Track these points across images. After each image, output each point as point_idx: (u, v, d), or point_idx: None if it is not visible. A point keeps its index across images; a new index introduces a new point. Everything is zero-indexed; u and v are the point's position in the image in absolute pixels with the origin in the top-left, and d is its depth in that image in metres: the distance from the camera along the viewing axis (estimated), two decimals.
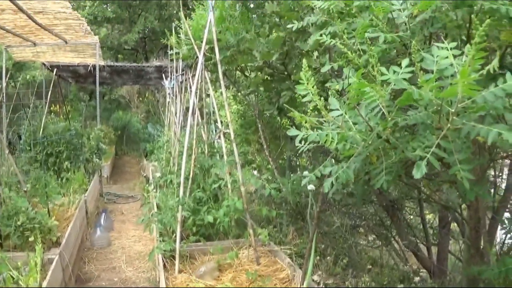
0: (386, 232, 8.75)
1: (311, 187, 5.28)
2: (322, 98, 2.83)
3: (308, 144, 3.22)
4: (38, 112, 14.26)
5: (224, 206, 6.85)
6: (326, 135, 2.77)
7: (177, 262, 6.44)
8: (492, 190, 6.09)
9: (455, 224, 8.39)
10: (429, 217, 9.36)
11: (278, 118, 9.10)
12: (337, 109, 2.90)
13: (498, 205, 5.40)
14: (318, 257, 7.60)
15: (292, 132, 3.02)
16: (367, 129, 2.67)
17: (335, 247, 8.36)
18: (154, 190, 10.22)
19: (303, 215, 8.98)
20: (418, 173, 2.25)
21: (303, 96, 2.92)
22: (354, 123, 2.79)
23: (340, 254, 8.27)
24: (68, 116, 17.34)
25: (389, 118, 2.53)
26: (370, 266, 7.83)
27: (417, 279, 7.36)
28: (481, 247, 4.74)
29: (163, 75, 15.64)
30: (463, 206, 6.06)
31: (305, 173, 3.52)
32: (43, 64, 16.45)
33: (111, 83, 21.93)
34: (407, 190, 7.69)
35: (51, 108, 18.98)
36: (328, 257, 7.90)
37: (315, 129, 2.90)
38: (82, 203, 9.82)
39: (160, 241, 6.94)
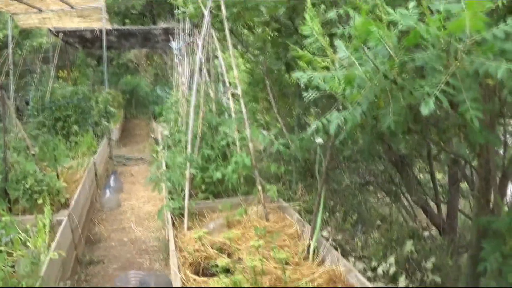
0: (395, 189, 8.67)
1: (319, 140, 5.22)
2: (327, 38, 2.75)
3: (315, 93, 3.15)
4: (45, 78, 14.21)
5: (232, 163, 6.80)
6: (332, 77, 2.70)
7: (186, 219, 6.43)
8: (502, 148, 5.99)
9: (466, 183, 8.34)
10: (438, 176, 9.28)
11: (286, 75, 8.98)
12: (343, 51, 2.82)
13: (509, 163, 5.30)
14: (327, 214, 7.57)
15: (297, 74, 2.95)
16: (374, 70, 2.60)
17: (344, 204, 8.33)
18: (163, 150, 10.20)
19: (312, 171, 8.92)
20: (426, 109, 2.18)
21: (307, 37, 2.84)
22: (360, 65, 2.71)
23: (350, 210, 8.24)
24: (76, 81, 17.29)
25: (396, 58, 2.46)
26: (379, 223, 7.77)
27: (426, 234, 7.32)
28: (491, 199, 4.69)
29: (171, 37, 15.51)
30: (474, 162, 5.99)
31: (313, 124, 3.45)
32: (49, 30, 16.36)
33: (118, 47, 21.86)
34: (416, 146, 7.60)
35: (59, 74, 18.96)
36: (337, 214, 7.87)
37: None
38: (91, 165, 9.82)
39: (169, 199, 6.92)
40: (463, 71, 2.28)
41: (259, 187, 6.67)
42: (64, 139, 11.35)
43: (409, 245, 6.37)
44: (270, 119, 10.02)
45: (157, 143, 14.15)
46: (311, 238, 5.63)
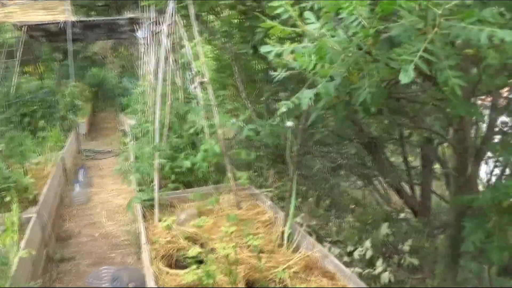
0: (367, 172, 8.58)
1: (289, 123, 5.07)
2: (297, 10, 2.59)
3: (284, 73, 3.00)
4: (10, 73, 13.91)
5: (201, 151, 6.63)
6: (303, 51, 2.54)
7: (156, 211, 6.27)
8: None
9: (438, 164, 8.30)
10: (410, 158, 9.22)
11: (254, 60, 8.84)
12: (314, 23, 2.66)
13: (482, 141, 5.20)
14: (300, 199, 7.47)
15: (266, 48, 2.77)
16: (346, 41, 2.45)
17: (317, 189, 8.23)
18: (131, 142, 10.02)
19: (283, 157, 8.81)
20: (405, 77, 2.04)
21: (276, 8, 2.67)
22: (332, 37, 2.55)
23: (322, 195, 8.15)
24: (42, 75, 16.99)
25: (370, 27, 2.31)
26: (354, 206, 7.68)
27: (402, 215, 7.23)
28: (468, 177, 4.59)
29: (136, 27, 15.25)
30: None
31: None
32: (13, 24, 15.99)
33: (83, 39, 21.51)
34: (388, 127, 7.50)
35: (24, 69, 18.62)
36: (310, 199, 7.76)
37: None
38: (59, 160, 9.58)
39: (138, 191, 6.74)
40: (442, 38, 2.14)
41: (230, 175, 6.53)
42: (32, 135, 11.10)
43: (384, 228, 6.28)
44: (239, 106, 9.86)
45: (125, 134, 13.94)
46: (285, 224, 5.51)
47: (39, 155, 9.66)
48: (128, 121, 14.08)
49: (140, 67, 15.07)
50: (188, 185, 7.29)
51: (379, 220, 6.92)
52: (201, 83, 7.35)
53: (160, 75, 6.79)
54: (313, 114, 2.97)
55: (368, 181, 8.58)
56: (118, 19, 17.59)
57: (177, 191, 6.95)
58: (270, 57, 2.76)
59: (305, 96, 2.64)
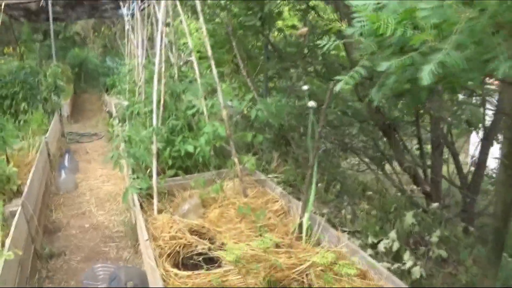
0: (380, 155, 8.01)
1: (311, 103, 4.47)
2: None
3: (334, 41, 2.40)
4: None
5: (204, 134, 5.98)
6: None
7: (155, 200, 5.63)
8: None
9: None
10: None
11: (255, 36, 8.20)
12: None
13: None
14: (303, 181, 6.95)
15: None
16: None
17: (325, 173, 7.67)
18: (120, 124, 9.38)
19: (287, 139, 8.24)
20: None
21: None
22: None
23: (331, 180, 7.59)
24: (22, 56, 16.32)
25: None
26: (367, 192, 7.11)
27: (435, 205, 6.61)
28: None
29: (121, 3, 14.52)
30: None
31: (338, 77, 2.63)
32: None
33: (65, 18, 20.72)
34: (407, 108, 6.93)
35: (4, 50, 17.97)
36: (319, 184, 7.20)
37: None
38: (43, 145, 8.91)
39: (133, 178, 6.10)
40: None
41: (235, 160, 5.92)
42: (13, 118, 10.42)
43: (409, 218, 5.72)
44: (240, 84, 9.25)
45: (111, 116, 13.31)
46: (303, 214, 4.90)
47: (22, 139, 8.98)
48: (114, 102, 13.45)
49: (126, 45, 14.39)
50: (186, 170, 6.70)
51: (401, 207, 6.40)
52: (187, 61, 6.78)
53: (158, 51, 6.12)
54: (376, 94, 2.35)
55: (380, 165, 8.00)
56: None
57: (176, 177, 6.33)
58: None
59: (426, 70, 1.97)
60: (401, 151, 7.33)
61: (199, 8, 5.97)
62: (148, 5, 9.97)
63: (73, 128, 15.31)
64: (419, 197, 7.74)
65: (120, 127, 9.07)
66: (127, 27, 13.52)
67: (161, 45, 6.26)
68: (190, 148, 5.98)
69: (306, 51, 7.58)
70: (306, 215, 4.82)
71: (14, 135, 8.95)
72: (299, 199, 5.40)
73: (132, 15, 12.61)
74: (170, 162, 6.50)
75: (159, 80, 6.48)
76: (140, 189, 5.73)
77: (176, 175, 6.36)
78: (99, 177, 9.73)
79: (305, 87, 4.51)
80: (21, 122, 10.30)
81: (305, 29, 5.94)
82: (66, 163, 9.99)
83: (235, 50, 7.63)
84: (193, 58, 6.82)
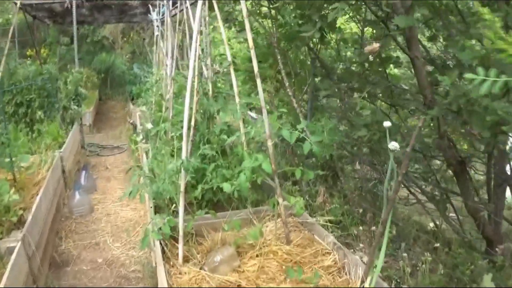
0: (443, 196, 6.90)
1: (394, 145, 3.42)
2: None
3: None
4: (12, 56, 12.30)
5: (246, 169, 4.88)
6: None
7: (180, 248, 4.59)
8: None
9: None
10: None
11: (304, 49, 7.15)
12: None
13: None
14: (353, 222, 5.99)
15: None
16: None
17: (374, 211, 6.63)
18: (143, 141, 8.40)
19: (335, 171, 7.20)
20: None
21: None
22: None
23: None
24: (45, 60, 15.54)
25: None
26: (437, 244, 6.01)
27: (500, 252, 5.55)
28: None
29: (150, 7, 13.59)
30: None
31: None
32: (14, 3, 14.47)
33: (91, 21, 20.15)
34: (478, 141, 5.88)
35: (28, 52, 17.25)
36: (373, 227, 6.15)
37: None
38: (57, 161, 7.91)
39: (154, 217, 5.05)
40: None
41: (280, 200, 4.87)
42: (27, 128, 9.45)
43: (488, 281, 4.64)
44: (282, 104, 8.18)
45: (135, 128, 12.37)
46: (365, 277, 3.85)
47: (34, 153, 8.00)
48: (138, 114, 12.52)
49: (154, 52, 13.46)
50: (217, 205, 5.70)
51: (470, 262, 5.33)
52: (217, 72, 5.80)
53: (191, 63, 5.01)
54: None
55: (443, 206, 6.89)
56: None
57: (205, 215, 5.28)
58: None
59: None
60: (469, 192, 6.26)
61: (245, 12, 4.90)
62: (181, 11, 9.01)
63: (95, 138, 14.34)
64: (477, 240, 6.70)
65: (142, 144, 8.10)
66: (156, 33, 12.58)
67: (195, 55, 5.16)
68: (226, 188, 4.88)
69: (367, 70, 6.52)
70: (372, 280, 3.77)
71: (25, 149, 7.99)
72: (353, 249, 4.40)
73: (162, 21, 11.68)
74: (198, 194, 5.46)
75: (191, 97, 5.44)
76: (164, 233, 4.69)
77: (205, 211, 5.32)
78: (118, 200, 8.70)
79: (387, 124, 3.47)
80: (35, 133, 9.30)
81: (376, 45, 4.89)
82: (82, 181, 8.99)
83: (280, 65, 6.60)
84: (232, 72, 5.80)
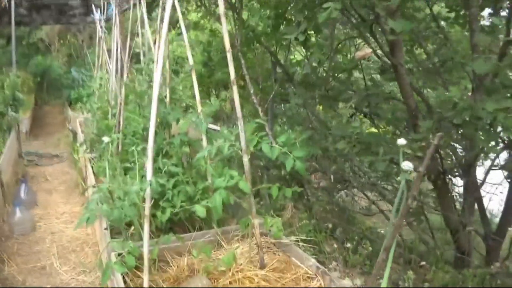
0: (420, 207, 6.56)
1: (408, 166, 2.95)
2: None
3: None
4: None
5: (219, 188, 4.29)
6: None
7: (146, 281, 3.96)
8: None
9: None
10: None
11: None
12: None
13: None
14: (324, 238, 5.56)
15: None
16: None
17: (349, 228, 6.20)
18: (87, 151, 7.77)
19: (301, 183, 6.71)
20: None
21: None
22: None
23: (354, 236, 6.13)
24: None
25: None
26: (423, 262, 5.65)
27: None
28: None
29: (93, 6, 12.86)
30: None
31: None
32: None
33: (29, 22, 19.35)
34: None
35: None
36: (348, 245, 5.71)
37: None
38: None
39: (113, 247, 4.45)
40: None
41: (256, 222, 4.35)
42: None
43: None
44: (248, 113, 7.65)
45: (75, 135, 11.65)
46: None
47: None
48: (79, 120, 11.85)
49: (96, 56, 12.71)
50: (177, 224, 5.16)
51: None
52: None
53: (159, 65, 4.33)
54: None
55: (418, 219, 6.51)
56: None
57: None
58: None
59: None
60: (449, 204, 5.91)
61: (222, 9, 4.30)
62: (124, 10, 8.38)
63: (32, 145, 13.52)
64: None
65: (85, 154, 7.48)
66: (99, 34, 11.83)
67: (163, 57, 4.49)
68: (201, 212, 4.27)
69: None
70: None
71: None
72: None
73: (107, 20, 11.01)
74: (161, 216, 4.87)
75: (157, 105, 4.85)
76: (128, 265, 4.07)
77: (167, 232, 4.73)
78: (62, 215, 7.97)
79: (402, 141, 3.00)
80: None
81: (369, 51, 4.46)
82: (22, 195, 8.25)
83: (244, 70, 6.06)
84: (193, 77, 5.24)
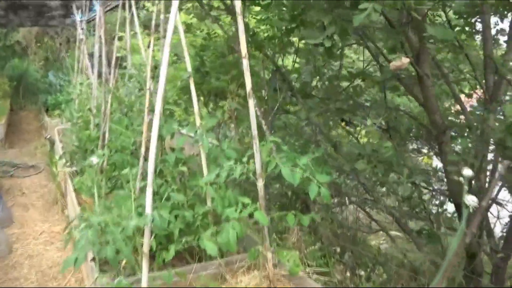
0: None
1: (473, 201, 2.42)
2: None
3: None
4: None
5: (231, 224, 3.68)
6: None
7: None
8: None
9: None
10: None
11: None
12: None
13: None
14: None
15: None
16: None
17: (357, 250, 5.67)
18: (67, 164, 7.15)
19: (305, 202, 6.16)
20: None
21: None
22: None
23: (365, 260, 5.61)
24: None
25: None
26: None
27: None
28: None
29: (74, 7, 12.19)
30: None
31: None
32: None
33: (5, 23, 18.86)
34: None
35: None
36: (362, 271, 5.16)
37: None
38: None
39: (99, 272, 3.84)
40: None
41: (269, 255, 3.76)
42: None
43: None
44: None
45: (52, 145, 11.00)
46: None
47: None
48: (58, 128, 11.21)
49: (76, 60, 12.03)
50: (179, 255, 4.54)
51: None
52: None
53: (163, 70, 3.66)
54: None
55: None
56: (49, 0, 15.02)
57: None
58: None
59: None
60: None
61: (238, 8, 3.70)
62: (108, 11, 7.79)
63: (7, 154, 12.83)
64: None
65: (65, 168, 6.87)
66: (80, 36, 11.15)
67: (166, 64, 3.84)
68: (211, 249, 3.68)
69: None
70: None
71: None
72: None
73: (89, 21, 10.39)
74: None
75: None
76: None
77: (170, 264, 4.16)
78: (40, 236, 7.28)
79: (469, 172, 2.48)
80: None
81: (406, 60, 3.90)
82: None
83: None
84: (192, 86, 4.63)
